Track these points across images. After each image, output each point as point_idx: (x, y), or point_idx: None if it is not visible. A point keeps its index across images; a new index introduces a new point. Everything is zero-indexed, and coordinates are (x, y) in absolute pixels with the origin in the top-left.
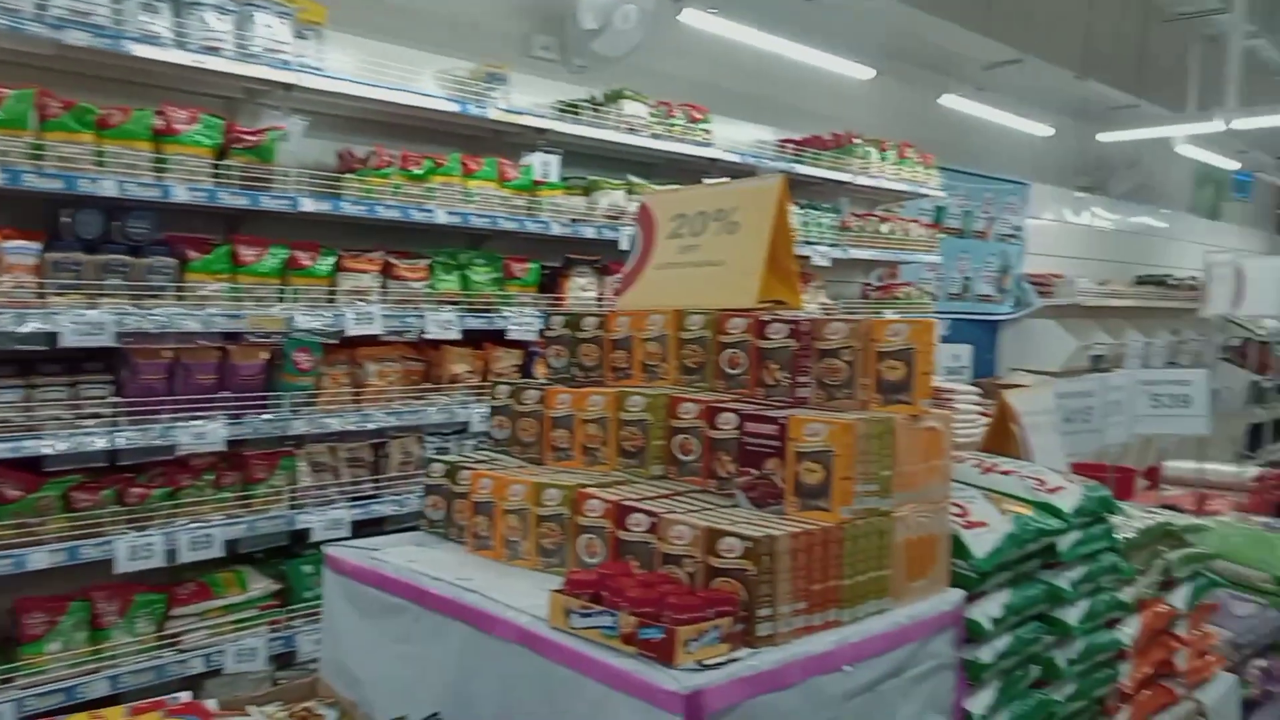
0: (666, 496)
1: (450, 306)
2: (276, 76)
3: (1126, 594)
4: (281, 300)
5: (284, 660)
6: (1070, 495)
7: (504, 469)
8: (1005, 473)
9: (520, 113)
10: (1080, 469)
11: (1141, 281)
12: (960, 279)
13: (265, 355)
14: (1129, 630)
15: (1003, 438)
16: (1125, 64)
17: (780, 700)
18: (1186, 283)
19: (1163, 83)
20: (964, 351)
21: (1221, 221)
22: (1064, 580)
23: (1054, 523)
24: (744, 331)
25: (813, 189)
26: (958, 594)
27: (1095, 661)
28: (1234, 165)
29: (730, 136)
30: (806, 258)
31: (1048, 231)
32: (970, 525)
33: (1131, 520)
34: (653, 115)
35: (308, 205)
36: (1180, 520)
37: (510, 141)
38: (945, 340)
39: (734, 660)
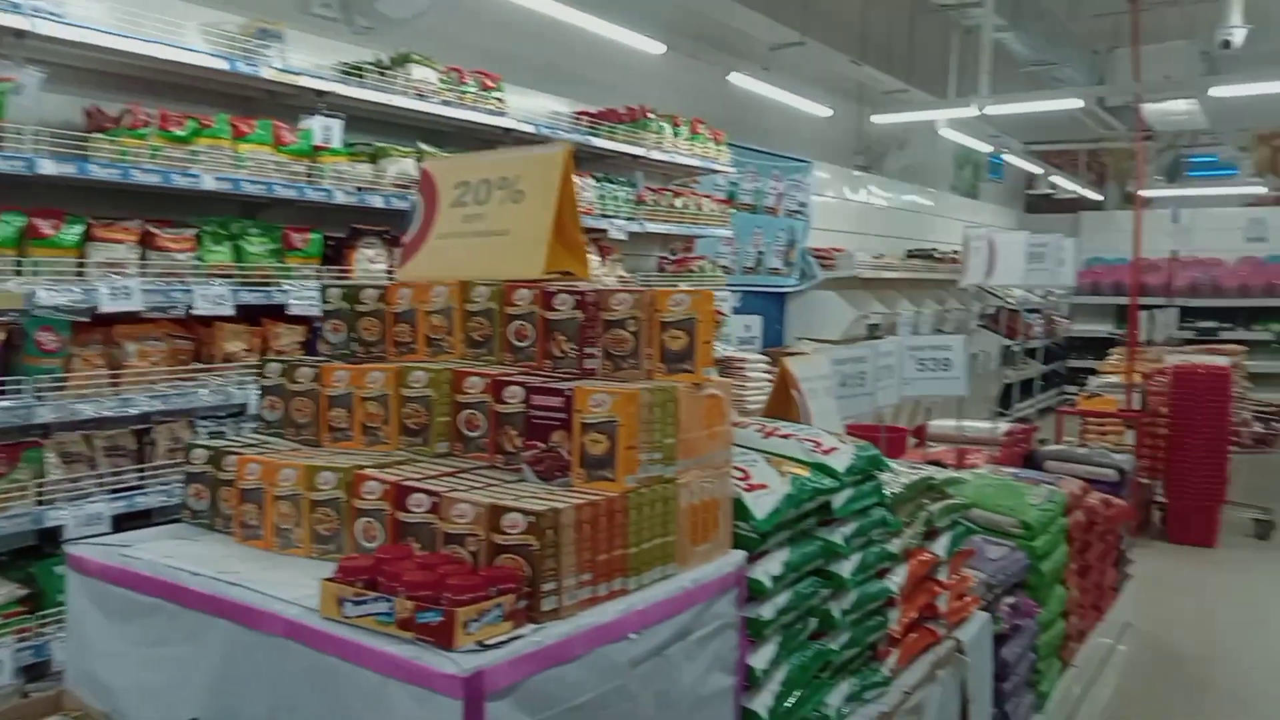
0: (450, 475)
1: (222, 280)
2: (5, 21)
3: (895, 545)
4: (19, 274)
5: (36, 672)
6: (843, 455)
7: (275, 453)
8: (785, 436)
9: (297, 73)
10: (856, 430)
11: (911, 255)
12: (755, 253)
13: (1, 336)
14: (897, 579)
15: (784, 403)
16: (896, 51)
17: (565, 673)
18: (950, 256)
19: (928, 70)
20: (755, 322)
21: (979, 200)
22: (838, 536)
23: (829, 482)
24: (531, 303)
25: (608, 162)
26: (740, 555)
27: (867, 610)
28: (988, 149)
29: (525, 107)
30: (604, 231)
31: (829, 208)
32: (752, 488)
33: (899, 476)
34: (443, 81)
35: (48, 168)
36: (941, 474)
37: (287, 104)
38: (738, 312)
39: (517, 638)
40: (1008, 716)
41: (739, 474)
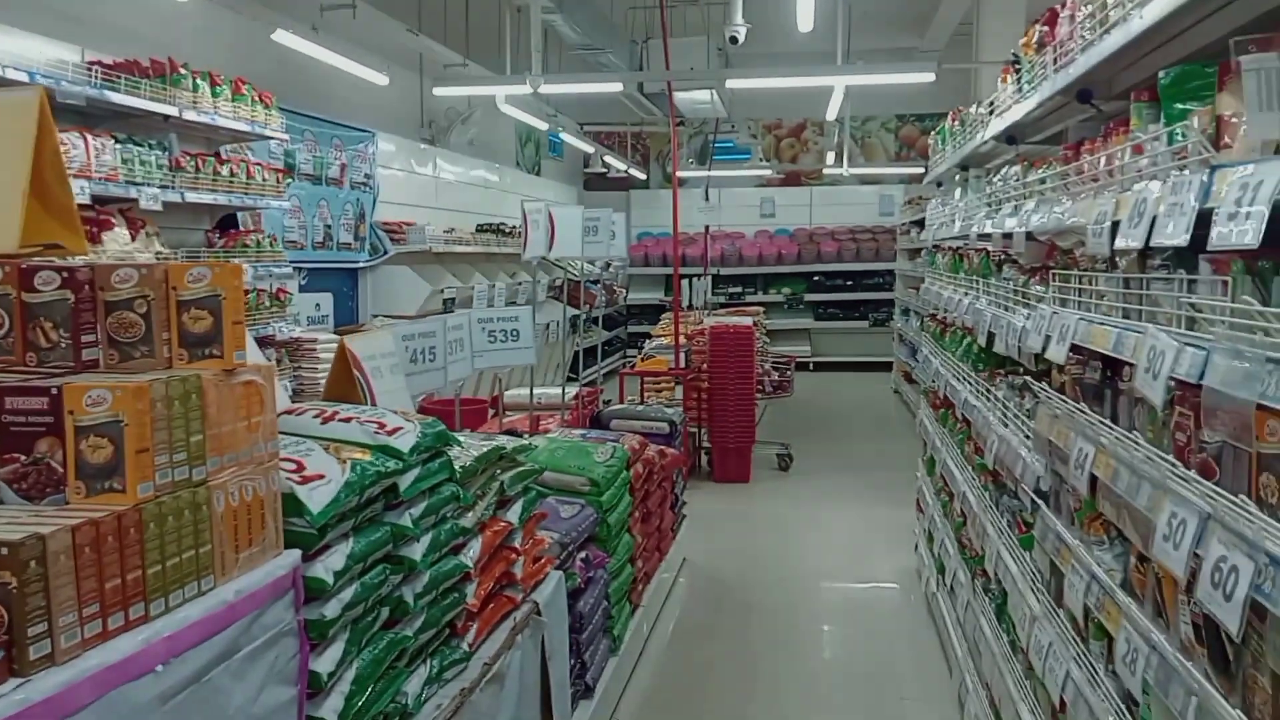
0: None
1: None
2: None
3: (468, 519)
4: None
5: None
6: (409, 435)
7: None
8: (346, 420)
9: None
10: (434, 405)
11: (482, 230)
12: (323, 227)
13: None
14: (472, 552)
15: (346, 384)
16: (453, 24)
17: None
18: (517, 231)
19: (485, 46)
20: (325, 300)
21: (543, 177)
22: (407, 518)
23: (393, 464)
24: (3, 283)
25: (134, 122)
26: (294, 555)
27: (442, 589)
28: (546, 126)
29: (15, 51)
30: (134, 201)
31: (397, 180)
32: (306, 480)
33: (469, 450)
34: None
35: None
36: (512, 443)
37: None
38: (305, 289)
39: None
40: (586, 665)
41: (291, 465)
